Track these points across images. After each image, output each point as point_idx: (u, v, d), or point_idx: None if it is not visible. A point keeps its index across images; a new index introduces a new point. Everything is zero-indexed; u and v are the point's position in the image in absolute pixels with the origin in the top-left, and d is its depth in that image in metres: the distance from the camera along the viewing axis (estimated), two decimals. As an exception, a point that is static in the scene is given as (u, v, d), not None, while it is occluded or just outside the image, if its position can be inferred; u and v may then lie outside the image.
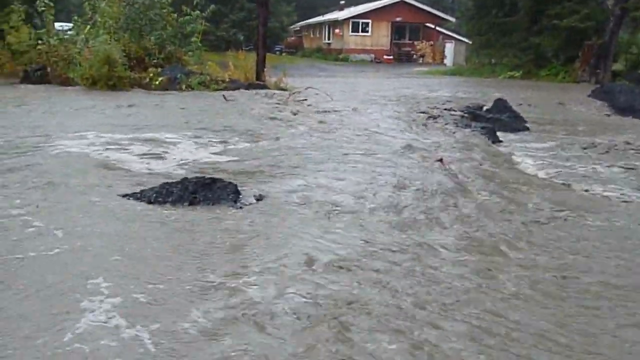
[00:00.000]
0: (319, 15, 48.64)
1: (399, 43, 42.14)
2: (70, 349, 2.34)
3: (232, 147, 6.93)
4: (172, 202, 4.45)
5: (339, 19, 41.29)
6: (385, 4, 41.46)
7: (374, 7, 41.39)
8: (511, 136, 9.14)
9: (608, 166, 6.70)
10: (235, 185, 4.71)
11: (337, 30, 41.62)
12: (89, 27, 14.73)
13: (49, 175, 5.11)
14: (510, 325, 2.67)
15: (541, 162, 7.01)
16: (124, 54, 13.34)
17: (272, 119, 9.25)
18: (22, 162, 5.66)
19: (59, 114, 9.11)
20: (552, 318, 2.77)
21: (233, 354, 2.35)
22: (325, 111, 10.35)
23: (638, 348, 2.55)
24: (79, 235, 3.65)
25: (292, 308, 2.74)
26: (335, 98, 12.62)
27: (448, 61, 36.43)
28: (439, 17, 41.87)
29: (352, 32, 40.87)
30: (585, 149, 7.95)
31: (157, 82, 13.24)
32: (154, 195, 4.53)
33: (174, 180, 4.76)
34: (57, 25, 18.10)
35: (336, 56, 39.60)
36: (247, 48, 19.84)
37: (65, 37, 15.06)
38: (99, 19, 14.63)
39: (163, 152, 6.49)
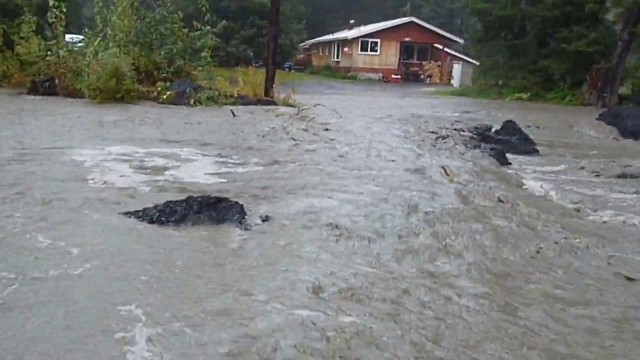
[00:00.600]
0: (328, 33, 48.94)
1: (407, 63, 42.25)
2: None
3: (239, 164, 6.81)
4: (176, 221, 4.30)
5: (348, 37, 41.50)
6: (395, 24, 41.71)
7: (383, 27, 41.62)
8: (520, 158, 9.03)
9: (620, 192, 6.56)
10: (241, 205, 4.57)
11: (346, 49, 41.79)
12: (99, 39, 14.74)
13: (51, 190, 4.99)
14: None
15: (552, 185, 6.86)
16: (133, 67, 13.31)
17: (280, 136, 9.15)
18: (21, 175, 5.55)
19: (62, 126, 9.03)
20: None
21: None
22: (334, 129, 10.24)
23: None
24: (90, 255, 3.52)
25: (298, 341, 2.59)
26: (344, 116, 12.53)
27: (455, 82, 36.42)
28: (447, 38, 42.01)
29: (361, 50, 41.03)
30: (595, 173, 7.81)
31: (165, 96, 13.17)
32: (157, 214, 4.39)
33: (178, 199, 4.63)
34: (68, 37, 18.13)
35: (344, 74, 39.71)
36: (256, 64, 19.82)
37: (75, 49, 15.06)
38: (110, 32, 14.65)
39: (168, 168, 6.37)
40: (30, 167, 5.92)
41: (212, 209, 4.48)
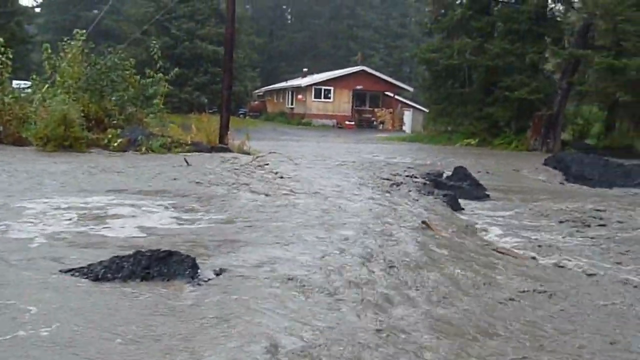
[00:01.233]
0: (282, 81, 49.71)
1: (359, 110, 43.26)
2: None
3: (193, 215, 6.65)
4: (123, 277, 4.08)
5: (302, 85, 42.30)
6: (347, 72, 42.95)
7: (335, 75, 42.73)
8: (473, 204, 9.21)
9: (570, 236, 6.74)
10: (194, 259, 4.39)
11: (299, 96, 42.46)
12: (47, 85, 14.40)
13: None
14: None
15: (505, 231, 7.00)
16: (83, 114, 13.01)
17: (234, 184, 9.04)
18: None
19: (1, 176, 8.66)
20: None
21: None
22: (289, 177, 10.22)
23: None
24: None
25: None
26: (299, 163, 12.56)
27: (407, 128, 37.46)
28: (397, 86, 43.42)
29: (315, 98, 41.80)
30: (545, 217, 8.03)
31: (116, 144, 12.89)
32: (103, 270, 4.14)
33: (125, 254, 4.41)
34: (15, 83, 17.70)
35: (299, 120, 40.20)
36: (210, 111, 19.99)
37: (22, 95, 14.67)
38: (59, 78, 14.34)
39: (116, 220, 6.14)
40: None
41: (162, 263, 4.27)
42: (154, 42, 16.10)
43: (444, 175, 11.75)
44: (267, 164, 11.97)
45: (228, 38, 16.10)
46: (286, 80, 48.83)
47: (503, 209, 8.85)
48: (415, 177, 11.10)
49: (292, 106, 43.72)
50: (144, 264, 4.22)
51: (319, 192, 8.69)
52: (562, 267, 5.29)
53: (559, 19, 26.54)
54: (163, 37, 36.71)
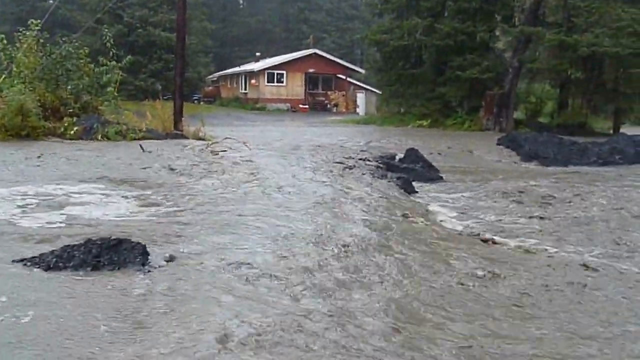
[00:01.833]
0: (235, 66, 48.99)
1: (313, 93, 43.05)
2: None
3: (145, 202, 6.44)
4: (74, 267, 4.00)
5: (255, 70, 41.77)
6: (299, 55, 42.62)
7: (288, 59, 42.38)
8: (426, 186, 9.24)
9: (524, 216, 6.82)
10: (144, 246, 4.29)
11: (253, 81, 41.94)
12: (4, 76, 14.02)
13: None
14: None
15: (459, 213, 7.06)
16: (39, 104, 12.87)
17: (188, 171, 8.81)
18: None
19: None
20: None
21: None
22: (243, 162, 10.03)
23: None
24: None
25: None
26: (253, 148, 12.35)
27: (360, 110, 37.47)
28: (349, 68, 43.37)
29: (268, 82, 41.37)
30: (499, 198, 8.12)
31: (72, 132, 12.80)
32: (54, 259, 4.07)
33: (76, 243, 4.28)
34: None
35: (253, 105, 39.76)
36: (165, 97, 19.74)
37: (-21, 87, 14.22)
38: (15, 69, 14.04)
39: (69, 208, 5.93)
40: None
41: (112, 251, 4.20)
42: (106, 30, 15.83)
43: (397, 158, 11.77)
44: (222, 150, 11.75)
45: (180, 24, 15.99)
46: (239, 65, 48.12)
47: (456, 191, 8.92)
48: (368, 160, 11.07)
49: (246, 91, 43.17)
50: (94, 253, 4.15)
51: (272, 176, 8.55)
52: (513, 248, 5.36)
53: (509, -4, 26.72)
54: (117, 25, 36.18)
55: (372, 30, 30.09)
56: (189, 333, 3.02)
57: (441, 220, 6.60)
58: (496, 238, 5.66)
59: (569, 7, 22.10)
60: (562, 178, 10.26)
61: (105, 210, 5.98)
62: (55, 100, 13.98)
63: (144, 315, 3.25)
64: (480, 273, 4.38)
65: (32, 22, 14.54)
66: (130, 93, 29.68)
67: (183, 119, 15.36)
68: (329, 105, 41.95)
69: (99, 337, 2.95)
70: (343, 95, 42.14)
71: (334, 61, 42.74)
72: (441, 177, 10.08)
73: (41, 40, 14.71)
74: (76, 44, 15.04)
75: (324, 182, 8.34)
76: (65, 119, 13.39)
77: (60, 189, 6.94)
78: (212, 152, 11.45)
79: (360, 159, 11.23)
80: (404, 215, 6.41)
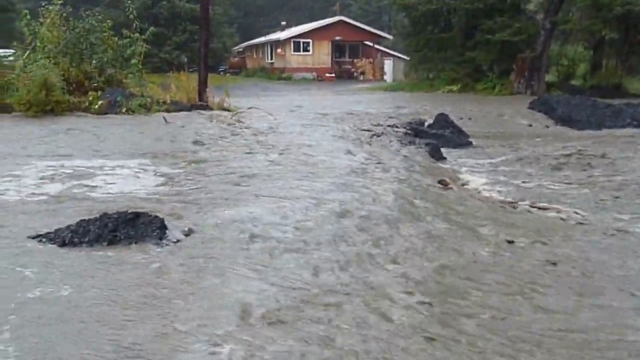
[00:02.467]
0: (261, 36, 48.56)
1: (339, 61, 42.43)
2: None
3: (167, 174, 6.37)
4: (89, 242, 3.93)
5: (281, 39, 41.27)
6: (325, 23, 41.87)
7: (314, 27, 41.68)
8: (455, 152, 9.00)
9: (557, 182, 6.56)
10: (162, 220, 4.19)
11: (279, 50, 41.53)
12: (28, 52, 14.11)
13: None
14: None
15: (488, 180, 6.82)
16: (63, 78, 12.93)
17: (212, 142, 8.73)
18: None
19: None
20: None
21: None
22: (269, 132, 9.92)
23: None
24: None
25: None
26: (279, 118, 12.22)
27: (388, 77, 36.81)
28: (377, 35, 42.47)
29: (294, 51, 40.89)
30: (530, 163, 7.85)
31: (96, 106, 12.83)
32: (70, 234, 4.01)
33: (92, 217, 4.21)
34: (0, 51, 17.33)
35: (279, 75, 39.45)
36: (190, 69, 19.65)
37: (5, 63, 14.34)
38: (39, 44, 14.10)
39: (90, 181, 5.91)
40: None
41: (129, 225, 4.11)
42: (129, 2, 15.74)
43: (426, 124, 11.49)
44: (247, 120, 11.65)
45: (203, -6, 15.72)
46: (265, 35, 47.63)
47: (486, 157, 8.66)
48: (397, 127, 10.83)
49: (272, 61, 42.79)
50: (110, 227, 4.06)
51: (299, 146, 8.41)
52: (547, 216, 5.13)
53: (541, -46, 25.69)
54: (140, -3, 36.01)
55: (400, -6, 29.26)
56: (207, 310, 2.95)
57: (467, 187, 6.38)
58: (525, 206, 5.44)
59: (603, -36, 21.04)
60: (596, 141, 9.86)
61: (126, 183, 5.90)
62: (80, 75, 14.05)
63: (160, 292, 3.17)
64: (505, 243, 4.20)
65: None
66: (155, 66, 29.59)
67: (208, 90, 15.27)
68: (355, 74, 41.32)
69: (113, 316, 2.88)
70: (370, 63, 41.40)
71: (360, 28, 41.90)
72: (471, 143, 9.80)
73: (64, 15, 14.71)
74: (99, 17, 15.03)
75: (350, 150, 8.16)
76: (89, 93, 13.42)
77: (83, 163, 6.93)
78: (236, 122, 11.37)
79: (389, 126, 11.00)
80: (437, 184, 6.21)
